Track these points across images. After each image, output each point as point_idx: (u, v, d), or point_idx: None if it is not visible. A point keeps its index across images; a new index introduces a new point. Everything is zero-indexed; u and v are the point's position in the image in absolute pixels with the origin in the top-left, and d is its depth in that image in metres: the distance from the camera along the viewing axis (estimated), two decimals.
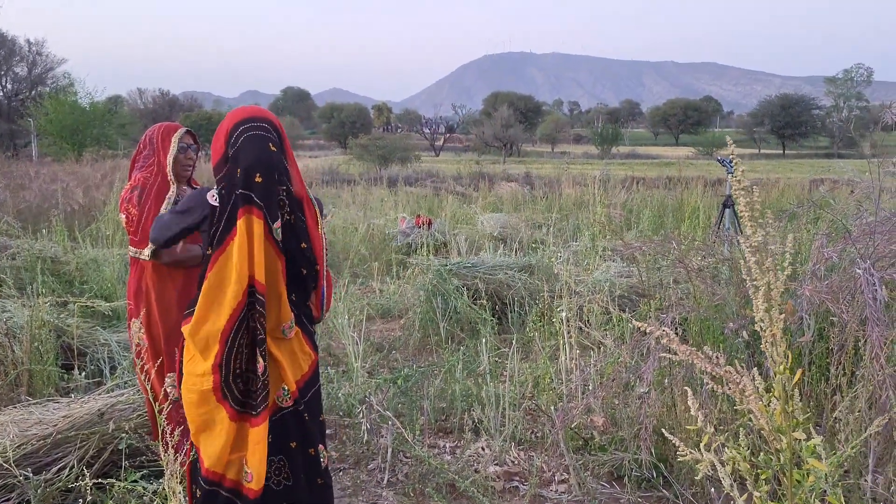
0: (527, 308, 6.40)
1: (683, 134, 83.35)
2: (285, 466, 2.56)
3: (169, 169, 3.08)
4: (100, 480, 2.79)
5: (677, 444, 1.65)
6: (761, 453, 1.62)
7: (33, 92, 40.66)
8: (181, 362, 2.49)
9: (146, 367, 2.72)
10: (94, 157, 20.97)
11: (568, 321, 5.01)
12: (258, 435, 2.38)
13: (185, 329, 2.41)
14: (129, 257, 3.15)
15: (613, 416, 3.78)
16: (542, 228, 11.19)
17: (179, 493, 2.30)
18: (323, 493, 2.67)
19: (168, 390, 2.98)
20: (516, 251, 8.52)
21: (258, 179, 2.33)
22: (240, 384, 2.40)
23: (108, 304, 5.61)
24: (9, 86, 41.75)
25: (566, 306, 5.51)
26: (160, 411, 2.36)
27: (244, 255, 2.31)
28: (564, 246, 9.03)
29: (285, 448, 2.57)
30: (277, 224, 2.40)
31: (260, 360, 2.35)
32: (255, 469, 2.38)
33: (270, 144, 2.39)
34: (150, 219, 2.95)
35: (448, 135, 77.33)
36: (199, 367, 2.37)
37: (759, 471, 1.58)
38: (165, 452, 2.28)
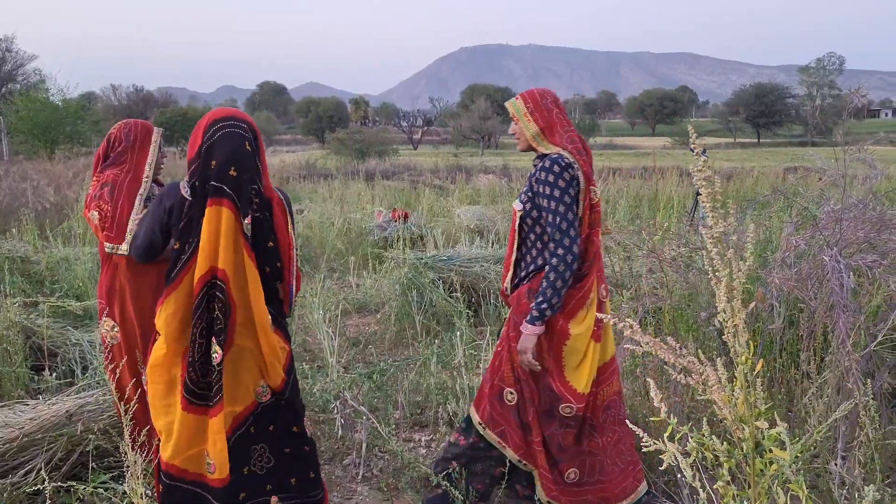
0: (501, 300, 6.41)
1: (660, 124, 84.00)
2: (266, 451, 2.62)
3: (148, 168, 3.06)
4: (66, 483, 2.75)
5: (640, 434, 1.65)
6: (724, 443, 1.63)
7: (3, 89, 40.07)
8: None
9: (116, 366, 2.69)
10: (67, 154, 20.73)
11: None
12: (217, 425, 2.39)
13: (157, 318, 2.45)
14: (101, 255, 3.11)
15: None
16: None
17: (143, 492, 2.28)
18: (308, 458, 2.76)
19: (146, 387, 2.95)
20: (493, 243, 8.52)
21: (232, 173, 2.40)
22: (192, 374, 2.41)
23: (79, 303, 5.55)
24: None
25: None
26: (126, 411, 2.33)
27: (207, 244, 2.35)
28: None
29: (265, 434, 2.62)
30: (248, 220, 2.44)
31: (217, 349, 2.37)
32: (216, 459, 2.40)
33: (246, 143, 2.47)
34: (124, 214, 2.92)
35: (426, 128, 77.25)
36: (160, 355, 2.42)
37: (722, 460, 1.59)
38: (132, 451, 2.26)
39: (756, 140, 68.11)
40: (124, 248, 2.91)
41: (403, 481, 3.43)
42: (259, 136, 2.57)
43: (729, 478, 1.58)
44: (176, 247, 2.43)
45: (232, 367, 2.48)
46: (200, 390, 2.42)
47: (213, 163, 2.40)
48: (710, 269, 1.54)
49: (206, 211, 2.36)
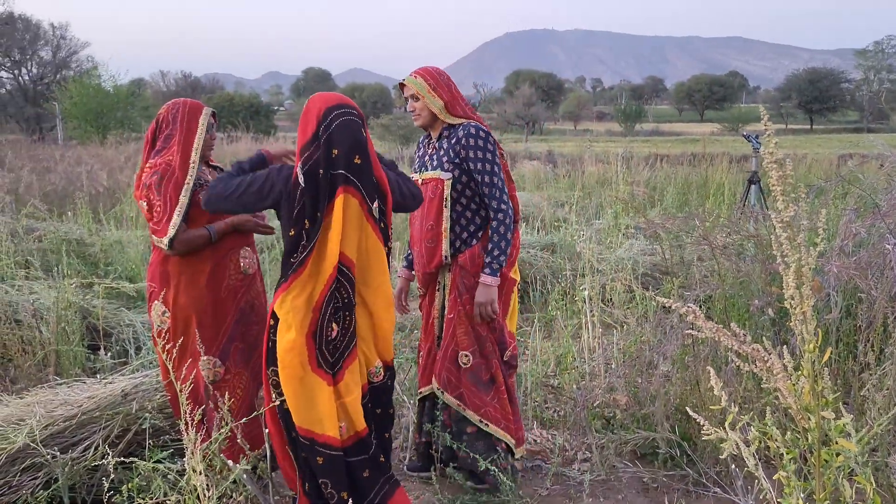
0: (549, 287, 6.37)
1: (709, 110, 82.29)
2: (372, 433, 2.72)
3: (195, 152, 2.98)
4: (124, 459, 2.81)
5: (702, 422, 1.62)
6: (787, 432, 1.58)
7: (58, 76, 40.92)
8: (270, 341, 2.62)
9: (167, 348, 2.71)
10: (118, 139, 21.15)
11: (590, 300, 4.98)
12: (344, 388, 2.58)
13: (277, 304, 2.55)
14: (152, 240, 3.12)
15: (636, 395, 3.74)
16: (565, 207, 11.12)
17: (201, 470, 2.32)
18: (390, 442, 2.94)
19: (204, 373, 2.98)
20: (538, 230, 8.46)
21: (357, 161, 2.50)
22: (326, 352, 2.56)
23: (132, 285, 5.66)
24: (34, 70, 42.06)
25: (588, 285, 5.47)
26: (181, 391, 2.36)
27: (337, 232, 2.46)
28: (587, 224, 8.96)
29: (372, 416, 2.75)
30: (375, 203, 2.58)
31: (335, 325, 2.54)
32: (352, 418, 2.60)
33: (362, 130, 2.56)
34: (171, 207, 2.88)
35: None
36: (291, 339, 2.51)
37: (785, 450, 1.55)
38: (187, 432, 2.29)
39: (809, 126, 66.33)
40: (165, 241, 2.87)
41: (451, 467, 3.43)
42: (366, 121, 2.65)
43: (792, 468, 1.54)
44: (291, 234, 2.49)
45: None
46: (333, 362, 2.58)
47: (336, 151, 2.47)
48: (778, 254, 1.49)
49: (336, 200, 2.46)
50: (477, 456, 3.16)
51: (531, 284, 6.39)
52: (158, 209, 2.89)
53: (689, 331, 1.79)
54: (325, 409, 2.54)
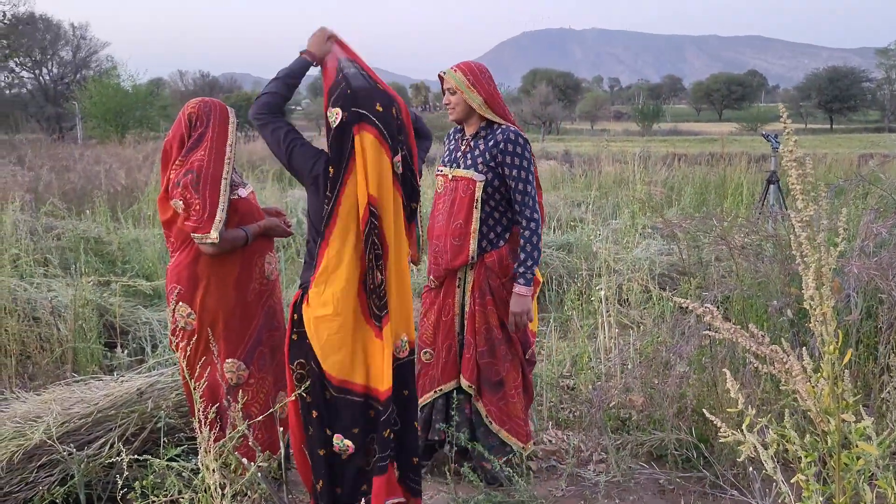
0: (565, 287, 6.34)
1: (727, 109, 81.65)
2: (393, 412, 2.62)
3: (229, 151, 2.97)
4: (139, 457, 2.82)
5: (719, 424, 1.59)
6: (806, 435, 1.56)
7: (78, 75, 41.27)
8: (294, 333, 2.57)
9: (186, 347, 2.71)
10: (137, 138, 21.30)
11: (606, 300, 4.95)
12: (380, 346, 2.50)
13: (320, 270, 2.47)
14: (177, 240, 3.05)
15: (652, 396, 3.71)
16: (581, 206, 11.06)
17: (215, 468, 2.32)
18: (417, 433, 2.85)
19: (228, 376, 2.98)
20: (555, 230, 8.42)
21: (378, 108, 2.45)
22: (374, 299, 2.50)
23: (149, 283, 5.69)
24: (54, 70, 42.44)
25: (605, 285, 5.43)
26: (195, 388, 2.37)
27: (362, 171, 2.41)
28: (604, 224, 8.91)
29: (399, 397, 2.66)
30: (398, 158, 2.52)
31: (377, 272, 2.47)
32: (381, 372, 2.50)
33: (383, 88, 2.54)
34: (213, 203, 2.85)
35: None
36: (342, 288, 2.43)
37: (804, 453, 1.52)
38: (201, 430, 2.30)
39: (829, 126, 65.63)
40: (214, 236, 2.83)
41: (466, 467, 3.42)
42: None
43: (811, 472, 1.52)
44: (326, 204, 2.46)
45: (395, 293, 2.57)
46: (379, 311, 2.51)
47: (352, 91, 2.44)
48: (797, 254, 1.47)
49: (356, 138, 2.40)
50: (491, 457, 3.15)
51: (547, 284, 6.36)
52: (198, 207, 2.85)
53: (707, 332, 1.76)
54: (378, 363, 2.50)
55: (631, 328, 5.14)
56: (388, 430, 2.56)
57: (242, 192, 3.11)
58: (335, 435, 2.55)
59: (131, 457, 2.57)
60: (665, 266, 6.53)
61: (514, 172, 3.11)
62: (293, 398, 2.57)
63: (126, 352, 4.82)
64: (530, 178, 3.13)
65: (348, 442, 2.54)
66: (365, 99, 2.43)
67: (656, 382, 3.76)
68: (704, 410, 1.91)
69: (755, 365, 1.60)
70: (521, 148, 3.11)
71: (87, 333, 4.73)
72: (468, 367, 3.28)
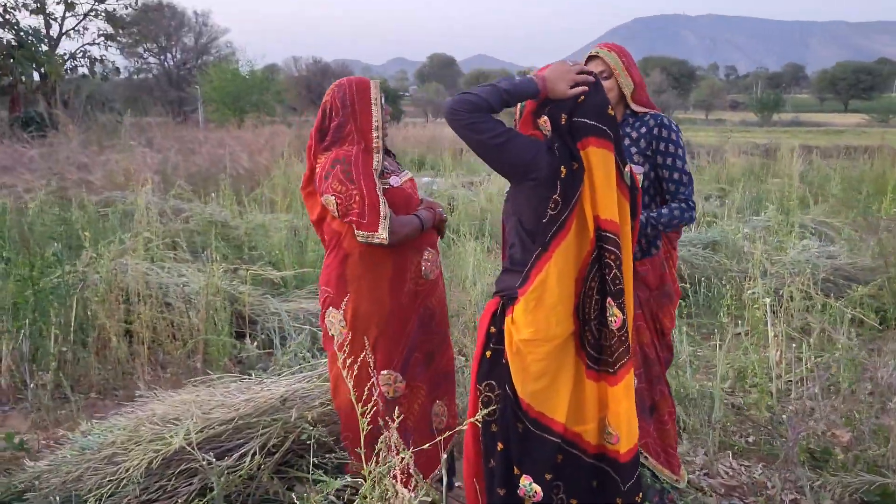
0: (714, 290, 5.80)
1: (854, 99, 76.89)
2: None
3: (376, 131, 2.63)
4: (284, 469, 2.57)
5: None
6: None
7: (199, 61, 42.75)
8: (489, 350, 2.25)
9: (348, 362, 2.35)
10: (255, 123, 21.73)
11: (771, 308, 4.44)
12: (618, 394, 2.14)
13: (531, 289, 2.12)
14: (324, 239, 2.78)
15: (856, 428, 3.18)
16: (710, 200, 10.39)
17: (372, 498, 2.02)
18: None
19: (384, 389, 2.67)
20: (693, 226, 7.84)
21: (610, 112, 2.14)
22: (589, 337, 2.16)
23: (277, 272, 5.54)
24: (178, 55, 44.10)
25: (762, 289, 4.91)
26: (363, 413, 2.05)
27: (587, 191, 2.10)
28: (743, 220, 8.26)
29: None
30: (628, 168, 2.19)
31: (617, 312, 2.11)
32: (622, 429, 2.15)
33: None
34: (373, 196, 2.54)
35: None
36: (552, 305, 2.11)
37: None
38: (366, 461, 2.00)
39: None
40: (382, 234, 2.51)
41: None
42: None
43: None
44: (552, 210, 2.11)
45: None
46: (598, 354, 2.17)
47: (582, 99, 2.13)
48: None
49: (581, 155, 2.09)
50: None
51: (693, 286, 5.83)
52: (358, 201, 2.53)
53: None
54: (589, 407, 2.18)
55: (793, 339, 4.57)
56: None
57: (395, 181, 2.73)
58: (523, 476, 2.19)
59: (275, 471, 2.30)
60: (829, 270, 5.87)
61: (670, 161, 2.81)
62: (473, 421, 2.22)
63: (255, 343, 4.65)
64: (686, 166, 2.83)
65: (537, 487, 2.17)
66: (601, 107, 2.15)
67: (861, 413, 3.24)
68: None
69: None
70: (676, 135, 2.83)
71: (218, 324, 4.59)
72: None
